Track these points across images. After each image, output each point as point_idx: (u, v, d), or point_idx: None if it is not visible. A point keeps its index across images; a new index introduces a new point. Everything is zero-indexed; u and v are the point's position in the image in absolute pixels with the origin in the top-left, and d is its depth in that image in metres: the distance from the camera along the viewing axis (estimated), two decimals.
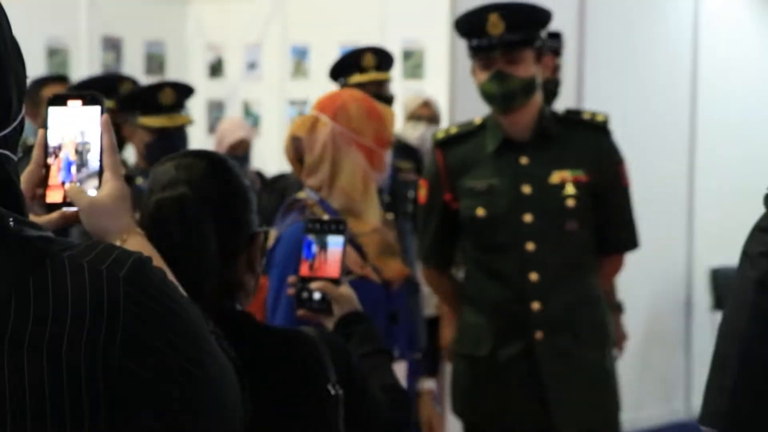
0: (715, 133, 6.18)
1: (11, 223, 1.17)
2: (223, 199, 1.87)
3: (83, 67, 7.88)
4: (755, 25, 6.70)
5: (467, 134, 3.60)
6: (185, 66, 8.39)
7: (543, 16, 3.51)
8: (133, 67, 8.30)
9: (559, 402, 3.46)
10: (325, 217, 2.54)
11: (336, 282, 2.25)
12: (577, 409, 3.49)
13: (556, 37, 4.53)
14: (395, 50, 7.55)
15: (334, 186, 3.02)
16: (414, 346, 3.49)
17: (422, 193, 3.68)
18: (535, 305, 3.46)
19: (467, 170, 3.54)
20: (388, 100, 4.58)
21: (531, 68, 3.43)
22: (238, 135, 5.56)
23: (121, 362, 1.14)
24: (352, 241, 2.92)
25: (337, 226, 2.27)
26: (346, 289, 2.26)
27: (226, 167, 1.91)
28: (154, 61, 8.55)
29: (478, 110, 4.60)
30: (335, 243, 2.25)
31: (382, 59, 4.69)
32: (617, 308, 4.44)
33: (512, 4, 3.50)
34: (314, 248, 2.26)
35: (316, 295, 2.25)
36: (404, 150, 4.86)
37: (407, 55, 7.57)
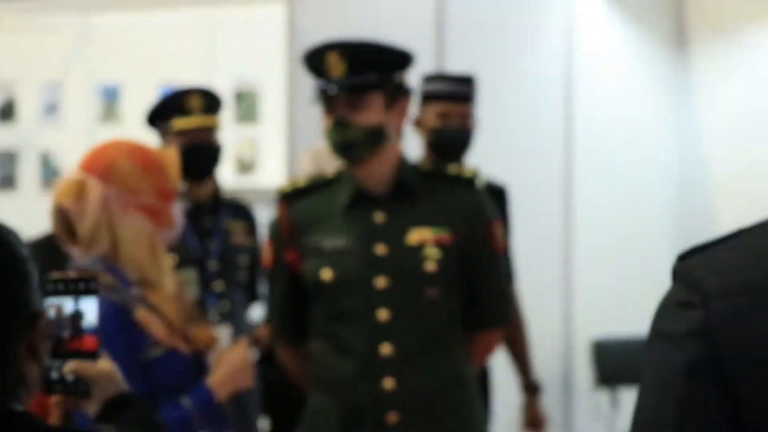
0: (593, 190, 6.29)
1: None
2: None
3: None
4: (631, 69, 6.88)
5: (317, 186, 3.63)
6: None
7: (395, 55, 3.57)
8: None
9: None
10: (73, 274, 2.38)
11: (92, 356, 2.13)
12: None
13: (466, 82, 4.60)
14: (225, 90, 7.55)
15: (119, 258, 3.04)
16: (245, 427, 3.45)
17: (266, 255, 3.69)
18: (388, 383, 3.45)
19: (314, 227, 3.54)
20: (215, 149, 4.56)
21: (378, 115, 3.45)
22: None
23: None
24: (154, 311, 3.02)
25: (86, 284, 2.11)
26: (106, 365, 2.14)
27: None
28: None
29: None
30: (87, 304, 2.11)
31: (210, 101, 4.64)
32: (533, 388, 4.56)
33: (354, 42, 3.54)
34: (58, 312, 2.11)
35: (70, 375, 2.12)
36: (235, 208, 4.80)
37: (240, 96, 7.55)
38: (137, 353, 3.07)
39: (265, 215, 4.76)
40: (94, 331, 2.09)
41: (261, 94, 7.41)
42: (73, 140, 8.04)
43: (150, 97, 7.91)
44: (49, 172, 8.11)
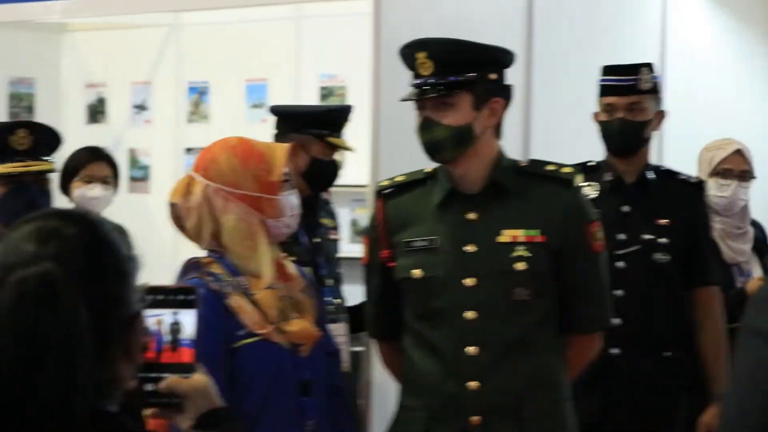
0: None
1: None
2: (98, 275, 1.78)
3: None
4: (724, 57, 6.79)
5: (413, 184, 3.63)
6: (59, 108, 8.26)
7: (484, 55, 3.54)
8: None
9: None
10: (175, 283, 2.40)
11: (188, 369, 2.12)
12: None
13: (633, 71, 4.48)
14: (312, 87, 7.58)
15: (222, 246, 3.25)
16: (341, 425, 3.47)
17: (364, 252, 3.70)
18: (473, 385, 3.43)
19: (407, 224, 3.57)
20: (337, 165, 4.74)
21: (465, 115, 3.45)
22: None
23: None
24: (251, 300, 3.19)
25: (185, 296, 2.11)
26: (200, 379, 2.13)
27: (100, 233, 1.82)
28: (22, 103, 8.42)
29: (404, 155, 4.62)
30: (186, 317, 2.10)
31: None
32: (715, 399, 4.37)
33: (441, 41, 3.54)
34: (159, 326, 2.10)
35: (165, 388, 2.10)
36: (323, 205, 4.84)
37: (325, 92, 7.56)
38: (228, 339, 3.16)
39: (346, 214, 4.80)
40: (191, 345, 2.09)
41: (347, 91, 7.43)
42: (161, 139, 8.15)
43: (238, 95, 8.00)
44: (138, 171, 8.19)
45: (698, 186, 4.51)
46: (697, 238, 4.43)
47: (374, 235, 3.61)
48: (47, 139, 4.26)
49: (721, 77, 6.68)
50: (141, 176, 8.23)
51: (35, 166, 4.14)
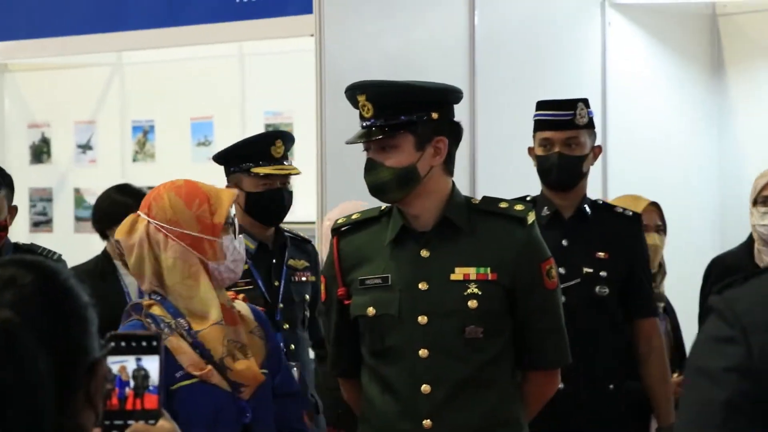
0: None
1: None
2: (57, 322, 1.73)
3: None
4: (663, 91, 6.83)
5: (368, 221, 3.60)
6: (2, 148, 8.18)
7: (423, 95, 3.51)
8: None
9: None
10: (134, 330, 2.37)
11: (153, 416, 2.08)
12: None
13: (569, 106, 4.45)
14: (257, 122, 7.55)
15: (164, 287, 3.23)
16: None
17: (322, 290, 3.69)
18: (427, 423, 3.40)
19: (362, 262, 3.54)
20: (289, 195, 4.62)
21: (408, 156, 3.42)
22: None
23: None
24: (193, 341, 3.18)
25: (149, 342, 2.06)
26: (166, 426, 2.09)
27: (58, 280, 1.78)
28: None
29: (350, 191, 4.61)
30: (149, 363, 2.06)
31: (289, 146, 4.67)
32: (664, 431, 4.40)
33: (378, 83, 3.53)
34: (121, 372, 2.07)
35: None
36: (297, 244, 4.77)
37: (271, 128, 7.53)
38: (166, 381, 3.09)
39: None
40: (156, 391, 2.05)
41: (294, 128, 7.40)
42: (106, 179, 8.07)
43: (183, 134, 7.96)
44: (83, 211, 8.12)
45: (635, 219, 4.51)
46: (634, 271, 4.43)
47: (330, 273, 3.60)
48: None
49: (662, 109, 6.72)
50: (87, 216, 8.11)
51: None
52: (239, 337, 3.26)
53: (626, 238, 4.44)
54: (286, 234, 4.71)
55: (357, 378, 3.62)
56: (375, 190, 3.46)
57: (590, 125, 4.49)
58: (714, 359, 1.48)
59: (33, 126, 8.46)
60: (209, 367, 3.20)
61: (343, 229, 3.60)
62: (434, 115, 3.46)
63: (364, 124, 3.45)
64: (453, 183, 3.55)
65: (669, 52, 6.81)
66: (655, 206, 4.94)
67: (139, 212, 3.26)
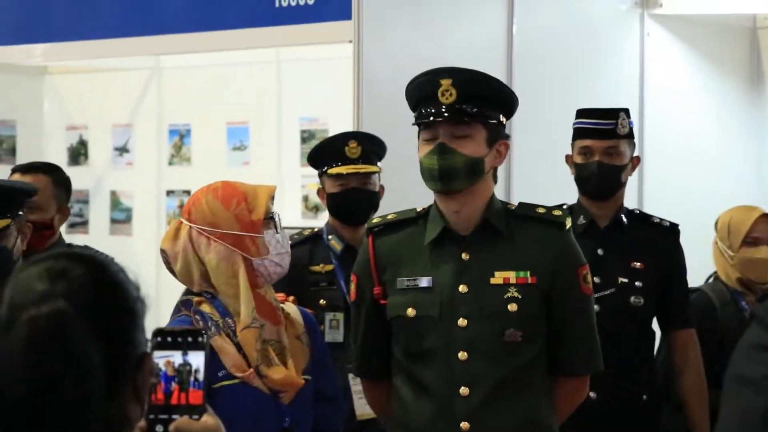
0: None
1: None
2: (108, 314, 1.77)
3: None
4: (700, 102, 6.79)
5: (404, 222, 3.59)
6: (41, 150, 8.23)
7: (504, 93, 3.54)
8: None
9: None
10: (179, 326, 2.36)
11: (198, 411, 2.08)
12: None
13: (611, 115, 4.45)
14: (292, 129, 7.57)
15: (213, 287, 3.28)
16: None
17: (352, 289, 3.66)
18: (464, 426, 3.41)
19: (399, 263, 3.53)
20: (372, 195, 4.54)
21: (480, 148, 3.42)
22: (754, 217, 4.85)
23: None
24: (236, 342, 3.23)
25: (194, 338, 2.06)
26: (211, 421, 2.06)
27: (109, 273, 1.81)
28: (3, 145, 8.38)
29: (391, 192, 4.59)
30: (195, 359, 2.06)
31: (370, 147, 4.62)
32: None
33: (469, 71, 3.51)
34: (167, 367, 2.09)
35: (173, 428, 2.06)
36: None
37: (306, 135, 7.54)
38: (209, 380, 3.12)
39: None
40: (201, 386, 2.04)
41: (329, 134, 7.40)
42: (142, 181, 8.12)
43: (219, 138, 7.98)
44: (119, 213, 8.16)
45: (672, 229, 4.49)
46: (671, 282, 4.41)
47: (364, 272, 3.58)
48: None
49: (699, 120, 6.69)
50: (123, 218, 8.21)
51: None
52: (280, 338, 3.29)
53: (663, 248, 4.43)
54: None
55: (383, 381, 3.61)
56: (444, 174, 3.40)
57: (630, 135, 4.49)
58: (755, 367, 1.46)
59: (71, 128, 8.51)
60: (251, 369, 3.23)
61: (377, 229, 3.59)
62: (503, 119, 3.49)
63: (440, 109, 3.40)
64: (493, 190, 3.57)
65: (708, 63, 6.78)
66: (767, 219, 4.79)
67: (181, 219, 3.32)
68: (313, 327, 3.47)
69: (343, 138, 4.56)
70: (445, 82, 3.41)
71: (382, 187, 4.51)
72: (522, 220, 3.53)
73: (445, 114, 3.40)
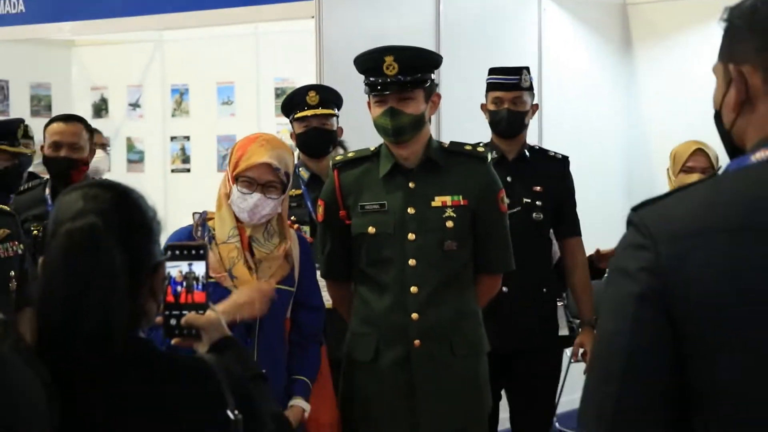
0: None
1: None
2: (130, 229, 1.76)
3: None
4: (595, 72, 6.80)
5: (362, 159, 3.57)
6: (70, 106, 8.13)
7: (433, 60, 3.52)
8: (21, 109, 8.03)
9: (426, 407, 3.45)
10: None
11: (202, 308, 2.09)
12: (441, 415, 3.48)
13: (516, 72, 4.40)
14: (268, 87, 7.51)
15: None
16: (307, 371, 3.39)
17: (320, 212, 3.64)
18: (415, 316, 3.42)
19: (360, 191, 3.52)
20: (329, 133, 4.39)
21: (420, 106, 3.42)
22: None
23: None
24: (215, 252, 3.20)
25: (198, 251, 2.07)
26: (213, 315, 2.08)
27: (131, 198, 1.81)
28: (41, 102, 8.27)
29: (348, 140, 4.57)
30: (198, 268, 2.07)
31: (326, 95, 4.49)
32: (585, 324, 4.37)
33: (406, 48, 3.48)
34: (177, 274, 2.08)
35: (185, 323, 2.09)
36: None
37: (279, 92, 7.49)
38: None
39: None
40: (203, 288, 2.06)
41: None
42: (151, 130, 8.06)
43: (211, 95, 7.92)
44: (133, 154, 8.09)
45: (564, 160, 4.48)
46: (563, 201, 4.42)
47: (331, 198, 3.56)
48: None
49: (584, 75, 6.72)
50: (136, 159, 8.14)
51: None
52: (243, 253, 3.24)
53: (557, 175, 4.43)
54: None
55: (344, 282, 3.62)
56: (396, 131, 3.41)
57: (531, 88, 4.47)
58: (631, 261, 1.47)
59: (95, 89, 8.40)
60: (224, 273, 3.19)
61: (340, 164, 3.57)
62: (433, 77, 3.48)
63: (386, 81, 3.38)
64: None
65: (590, 31, 6.81)
66: (702, 152, 4.57)
67: None
68: (306, 250, 3.42)
69: (305, 89, 4.49)
70: (389, 59, 3.39)
71: (340, 128, 4.45)
72: (454, 155, 3.53)
73: (391, 84, 3.38)
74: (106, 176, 6.24)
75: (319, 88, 4.48)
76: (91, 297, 1.65)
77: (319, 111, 4.38)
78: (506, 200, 3.60)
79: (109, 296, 1.67)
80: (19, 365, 1.28)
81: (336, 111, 4.44)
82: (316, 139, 4.36)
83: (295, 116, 4.40)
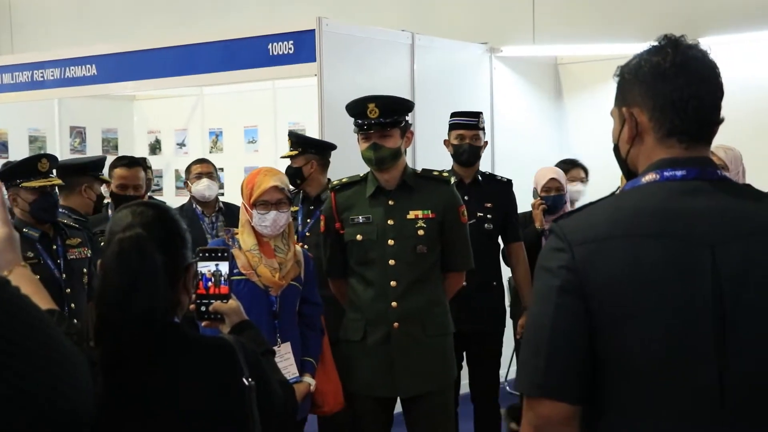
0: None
1: None
2: (168, 238, 1.76)
3: (57, 149, 7.58)
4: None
5: (353, 183, 3.58)
6: (132, 146, 8.13)
7: (406, 105, 3.52)
8: (94, 149, 8.02)
9: (403, 374, 3.45)
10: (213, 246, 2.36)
11: (226, 297, 2.09)
12: (415, 380, 3.45)
13: (475, 116, 4.43)
14: (284, 128, 7.51)
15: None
16: (310, 351, 3.40)
17: (322, 224, 3.65)
18: (394, 304, 3.42)
19: (351, 208, 3.52)
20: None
21: (397, 141, 3.42)
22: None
23: None
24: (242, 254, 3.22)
25: (222, 253, 2.07)
26: (234, 303, 2.11)
27: (168, 214, 1.81)
28: (110, 144, 8.25)
29: (341, 171, 4.55)
30: (223, 267, 2.08)
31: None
32: (525, 310, 4.37)
33: (384, 96, 3.50)
34: (207, 272, 2.09)
35: (213, 309, 2.12)
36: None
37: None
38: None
39: None
40: (227, 283, 2.08)
41: (306, 131, 7.35)
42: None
43: (239, 136, 7.90)
44: (180, 183, 8.07)
45: (508, 182, 4.49)
46: (508, 214, 4.40)
47: (329, 214, 3.56)
48: (55, 165, 3.99)
49: (524, 117, 6.71)
50: (181, 186, 8.11)
51: (53, 181, 3.89)
52: (271, 263, 3.26)
53: (502, 194, 4.43)
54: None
55: (342, 279, 3.60)
56: (378, 161, 3.42)
57: (484, 128, 4.47)
58: (552, 261, 1.47)
59: (150, 132, 8.39)
60: (252, 271, 3.20)
61: (337, 187, 3.58)
62: (407, 118, 3.49)
63: (370, 122, 3.39)
64: (405, 160, 3.56)
65: (528, 84, 6.80)
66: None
67: None
68: (307, 260, 3.43)
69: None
70: (371, 105, 3.41)
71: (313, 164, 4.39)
72: (424, 179, 3.53)
73: (374, 125, 3.40)
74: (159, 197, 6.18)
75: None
76: (139, 290, 1.64)
77: (292, 154, 4.40)
78: (466, 214, 3.58)
79: (153, 289, 1.66)
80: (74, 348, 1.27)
81: (308, 152, 4.40)
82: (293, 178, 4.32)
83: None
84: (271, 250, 3.26)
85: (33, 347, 1.15)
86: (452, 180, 3.60)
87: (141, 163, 4.67)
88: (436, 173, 3.56)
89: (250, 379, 1.73)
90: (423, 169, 3.59)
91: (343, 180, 3.61)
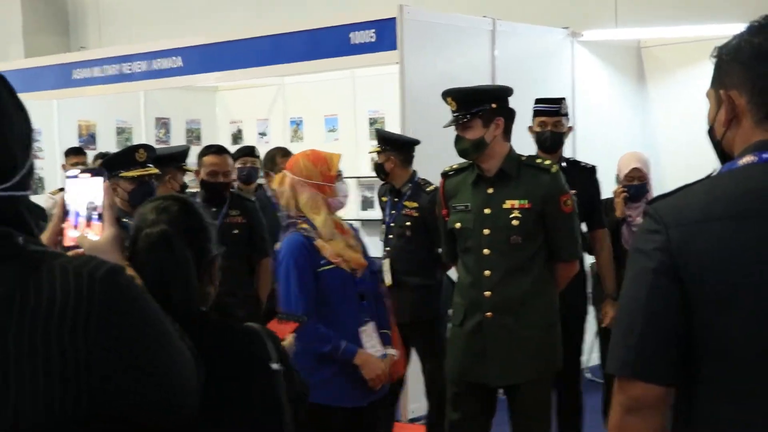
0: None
1: (20, 240, 1.22)
2: (192, 232, 1.77)
3: (142, 140, 7.80)
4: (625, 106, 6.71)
5: (462, 170, 3.54)
6: (215, 136, 8.30)
7: (488, 94, 3.44)
8: (178, 139, 8.22)
9: (494, 363, 3.43)
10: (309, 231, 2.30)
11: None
12: (506, 370, 3.43)
13: (557, 102, 4.41)
14: (364, 117, 7.56)
15: (302, 213, 3.16)
16: (383, 321, 3.39)
17: (436, 210, 3.68)
18: (487, 293, 3.40)
19: (456, 194, 3.50)
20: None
21: (478, 132, 3.36)
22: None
23: (97, 337, 1.18)
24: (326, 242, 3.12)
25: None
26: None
27: (193, 208, 1.82)
28: (193, 134, 8.45)
29: (425, 159, 4.57)
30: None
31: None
32: (607, 296, 4.37)
33: (458, 90, 3.43)
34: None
35: None
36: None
37: (372, 121, 7.54)
38: (315, 266, 3.12)
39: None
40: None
41: (385, 120, 7.40)
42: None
43: (319, 125, 7.99)
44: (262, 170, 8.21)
45: (591, 168, 4.44)
46: (592, 199, 4.36)
47: (440, 200, 3.57)
48: (152, 155, 4.07)
49: (608, 103, 6.62)
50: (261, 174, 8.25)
51: (151, 171, 3.99)
52: (348, 240, 3.22)
53: (586, 180, 4.39)
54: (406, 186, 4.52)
55: (455, 262, 3.59)
56: (460, 153, 3.42)
57: (567, 114, 4.44)
58: (647, 243, 1.47)
59: (233, 122, 8.56)
60: (340, 258, 3.17)
61: (448, 173, 3.57)
62: (493, 105, 3.40)
63: (454, 115, 3.40)
64: (510, 146, 3.47)
65: (611, 68, 6.70)
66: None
67: (285, 171, 3.18)
68: (356, 232, 3.38)
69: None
70: (449, 99, 3.41)
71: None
72: (526, 167, 3.44)
73: (454, 117, 3.39)
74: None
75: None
76: (173, 283, 1.66)
77: (376, 151, 4.46)
78: (572, 203, 3.44)
79: (186, 282, 1.69)
80: None
81: (387, 149, 4.48)
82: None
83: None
84: (344, 228, 3.26)
85: (157, 335, 1.20)
86: (555, 167, 3.45)
87: (228, 152, 4.77)
88: (539, 161, 3.48)
89: (277, 365, 1.77)
90: (528, 156, 3.53)
91: (454, 166, 3.59)
